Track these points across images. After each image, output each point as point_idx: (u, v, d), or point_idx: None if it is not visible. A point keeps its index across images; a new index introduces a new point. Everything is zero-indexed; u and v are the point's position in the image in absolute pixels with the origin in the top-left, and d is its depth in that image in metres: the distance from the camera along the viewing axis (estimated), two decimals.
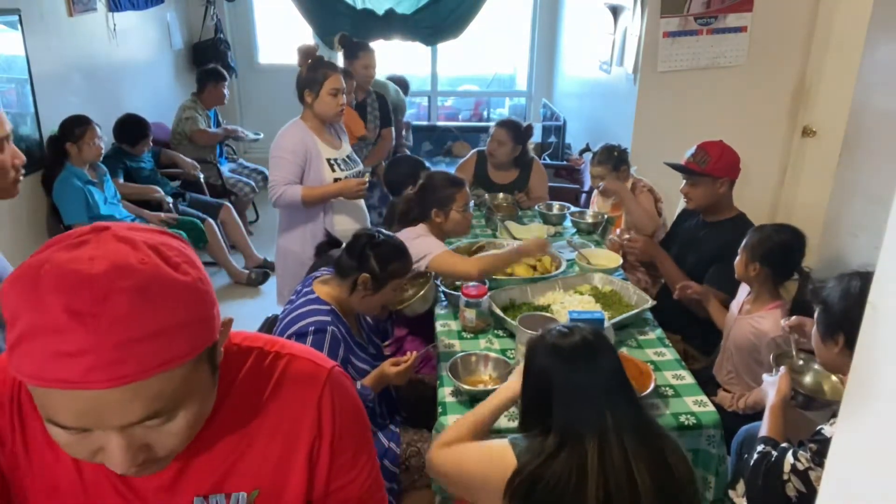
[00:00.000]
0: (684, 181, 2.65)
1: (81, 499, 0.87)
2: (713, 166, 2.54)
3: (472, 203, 3.06)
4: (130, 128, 4.04)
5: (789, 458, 1.50)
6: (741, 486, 1.61)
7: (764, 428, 1.68)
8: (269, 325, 2.19)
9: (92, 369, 0.65)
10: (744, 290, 2.34)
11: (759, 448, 1.59)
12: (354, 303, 1.97)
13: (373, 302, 1.98)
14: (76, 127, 3.44)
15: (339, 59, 5.65)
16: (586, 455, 1.24)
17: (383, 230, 2.04)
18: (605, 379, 1.31)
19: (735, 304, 2.36)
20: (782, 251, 2.14)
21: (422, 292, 2.21)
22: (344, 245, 2.03)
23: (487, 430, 1.55)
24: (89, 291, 0.65)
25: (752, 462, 1.58)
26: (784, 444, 1.58)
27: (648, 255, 2.76)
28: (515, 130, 3.45)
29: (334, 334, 1.86)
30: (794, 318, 1.96)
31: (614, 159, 3.17)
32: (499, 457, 1.31)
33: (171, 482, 0.87)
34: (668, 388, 1.95)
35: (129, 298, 0.66)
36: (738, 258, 2.23)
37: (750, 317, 2.22)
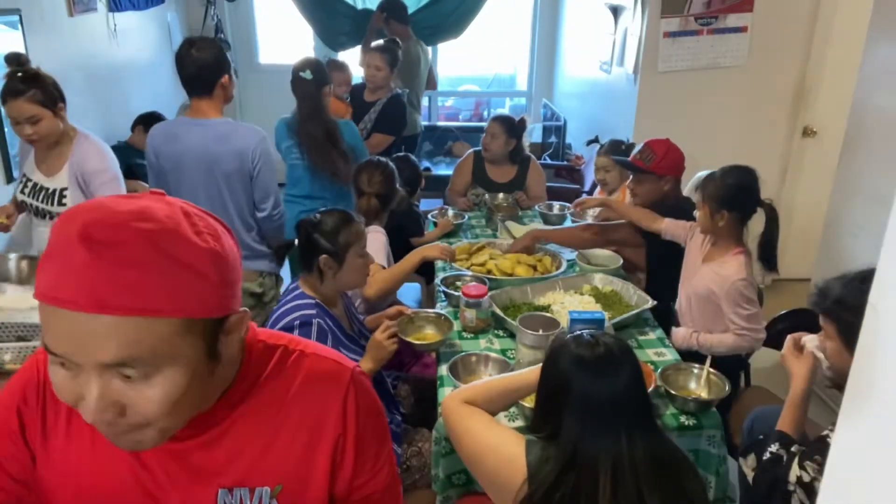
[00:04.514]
0: (630, 177, 2.70)
1: (103, 490, 0.88)
2: (657, 164, 2.57)
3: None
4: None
5: (795, 469, 1.45)
6: (752, 459, 1.57)
7: (782, 419, 1.59)
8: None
9: (80, 290, 0.68)
10: (697, 239, 2.34)
11: (773, 448, 1.53)
12: (332, 288, 1.97)
13: (346, 278, 1.99)
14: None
15: (339, 59, 5.66)
16: (598, 482, 1.21)
17: (318, 211, 2.02)
18: (623, 397, 1.26)
19: (695, 253, 2.34)
20: (741, 190, 2.16)
21: (442, 339, 2.12)
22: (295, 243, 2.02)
23: (505, 407, 1.53)
24: (108, 221, 0.70)
25: (762, 461, 1.53)
26: (794, 449, 1.52)
27: (534, 242, 2.78)
28: (508, 123, 3.49)
29: (320, 326, 1.87)
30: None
31: (620, 153, 3.18)
32: (511, 460, 1.28)
33: (196, 474, 0.88)
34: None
35: (139, 238, 0.70)
36: (699, 213, 2.22)
37: (713, 263, 2.23)
